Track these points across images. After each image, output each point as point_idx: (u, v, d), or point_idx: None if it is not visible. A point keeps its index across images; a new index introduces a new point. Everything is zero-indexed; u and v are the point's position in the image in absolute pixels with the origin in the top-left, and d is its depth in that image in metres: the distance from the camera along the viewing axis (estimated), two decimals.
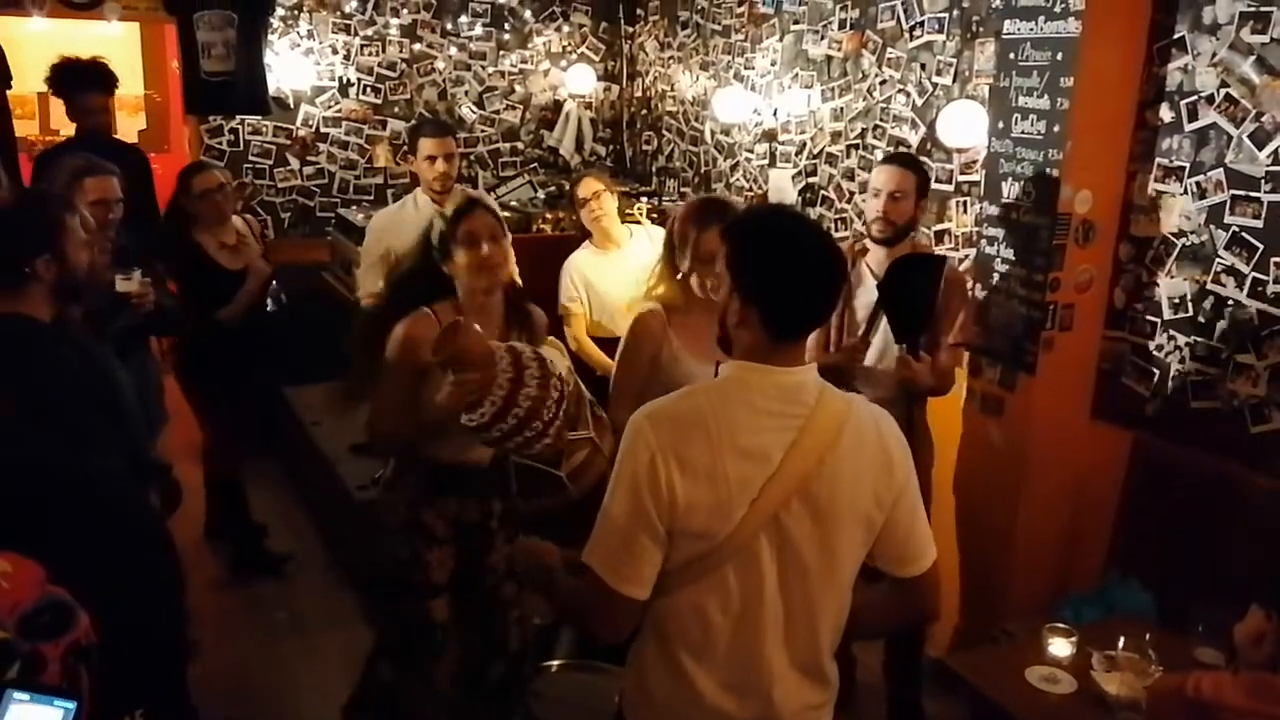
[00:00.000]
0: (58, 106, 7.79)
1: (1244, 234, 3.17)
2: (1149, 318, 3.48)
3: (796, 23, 5.09)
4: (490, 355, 2.49)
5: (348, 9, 6.16)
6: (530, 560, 2.01)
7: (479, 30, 6.52)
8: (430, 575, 2.89)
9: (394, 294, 2.94)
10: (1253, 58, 3.13)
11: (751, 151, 5.52)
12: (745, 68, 5.53)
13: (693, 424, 1.73)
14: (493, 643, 3.01)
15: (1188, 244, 3.34)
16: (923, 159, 4.28)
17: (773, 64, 5.29)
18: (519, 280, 4.46)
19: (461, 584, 2.95)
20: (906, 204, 3.30)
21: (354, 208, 5.98)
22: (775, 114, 5.29)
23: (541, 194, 6.06)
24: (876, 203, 3.31)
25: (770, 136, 5.35)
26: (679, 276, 2.92)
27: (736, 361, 1.80)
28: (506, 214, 4.88)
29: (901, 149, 4.37)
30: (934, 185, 4.26)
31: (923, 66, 4.32)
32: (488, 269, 2.79)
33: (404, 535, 2.91)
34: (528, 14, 6.61)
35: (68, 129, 7.44)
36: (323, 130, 6.23)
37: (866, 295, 3.35)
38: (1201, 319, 3.32)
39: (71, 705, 1.32)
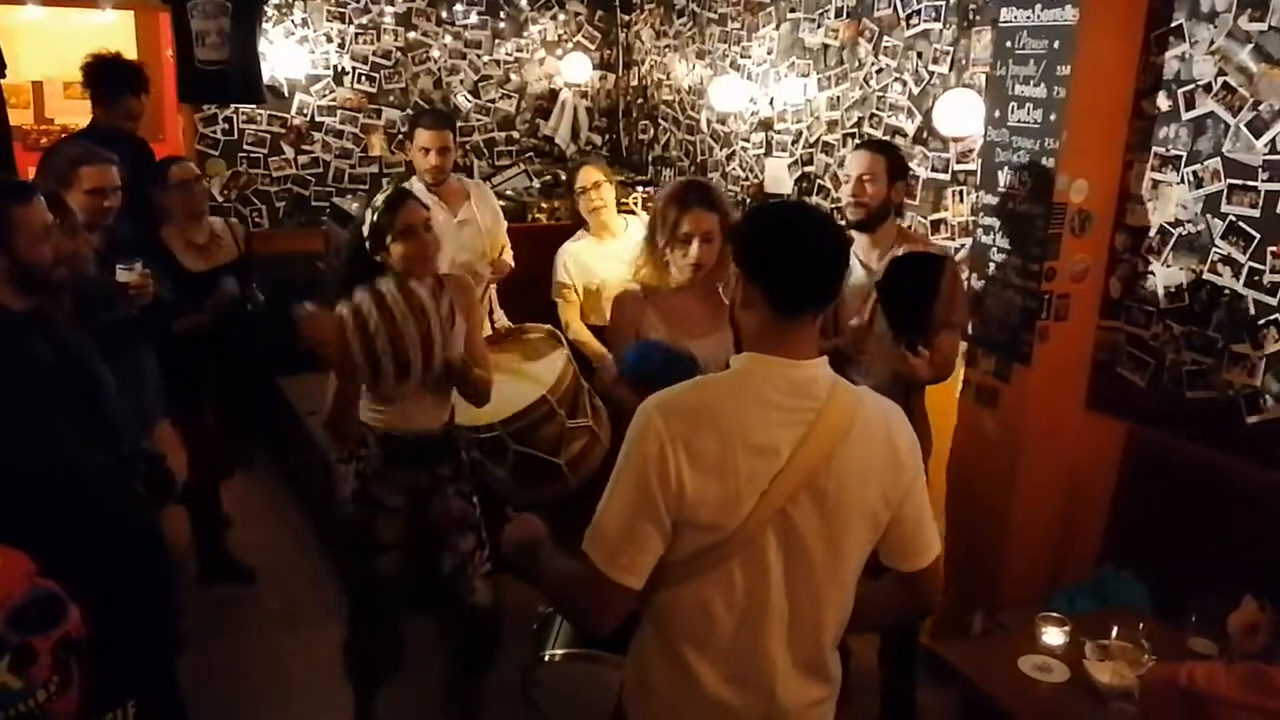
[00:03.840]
0: (53, 95, 7.80)
1: (1240, 223, 3.17)
2: (1145, 307, 3.47)
3: (793, 11, 5.07)
4: (338, 324, 2.74)
5: None
6: (517, 538, 1.99)
7: (474, 19, 6.49)
8: (377, 537, 3.10)
9: (335, 294, 2.99)
10: (1250, 46, 3.11)
11: (748, 141, 5.50)
12: (741, 56, 5.51)
13: (703, 416, 1.72)
14: (455, 595, 3.22)
15: (1184, 233, 3.33)
16: (919, 147, 4.27)
17: (769, 53, 5.28)
18: (511, 263, 4.53)
19: (413, 541, 3.16)
20: (876, 186, 3.32)
21: (349, 197, 5.97)
22: (771, 103, 5.28)
23: (537, 183, 6.05)
24: (847, 187, 3.38)
25: (766, 125, 5.33)
26: (659, 253, 3.07)
27: (748, 354, 1.80)
28: (502, 203, 4.88)
29: (898, 138, 4.36)
30: (930, 174, 4.25)
31: (919, 55, 4.31)
32: (424, 259, 2.94)
33: (355, 504, 3.11)
34: (523, 2, 6.58)
35: (63, 118, 7.45)
36: (317, 119, 6.21)
37: (854, 282, 3.32)
38: (1197, 309, 3.31)
39: None
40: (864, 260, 3.35)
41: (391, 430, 3.06)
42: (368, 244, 2.96)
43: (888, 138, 4.45)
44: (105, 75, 4.44)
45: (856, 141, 4.67)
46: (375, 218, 2.94)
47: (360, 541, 3.13)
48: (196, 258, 4.12)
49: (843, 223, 3.42)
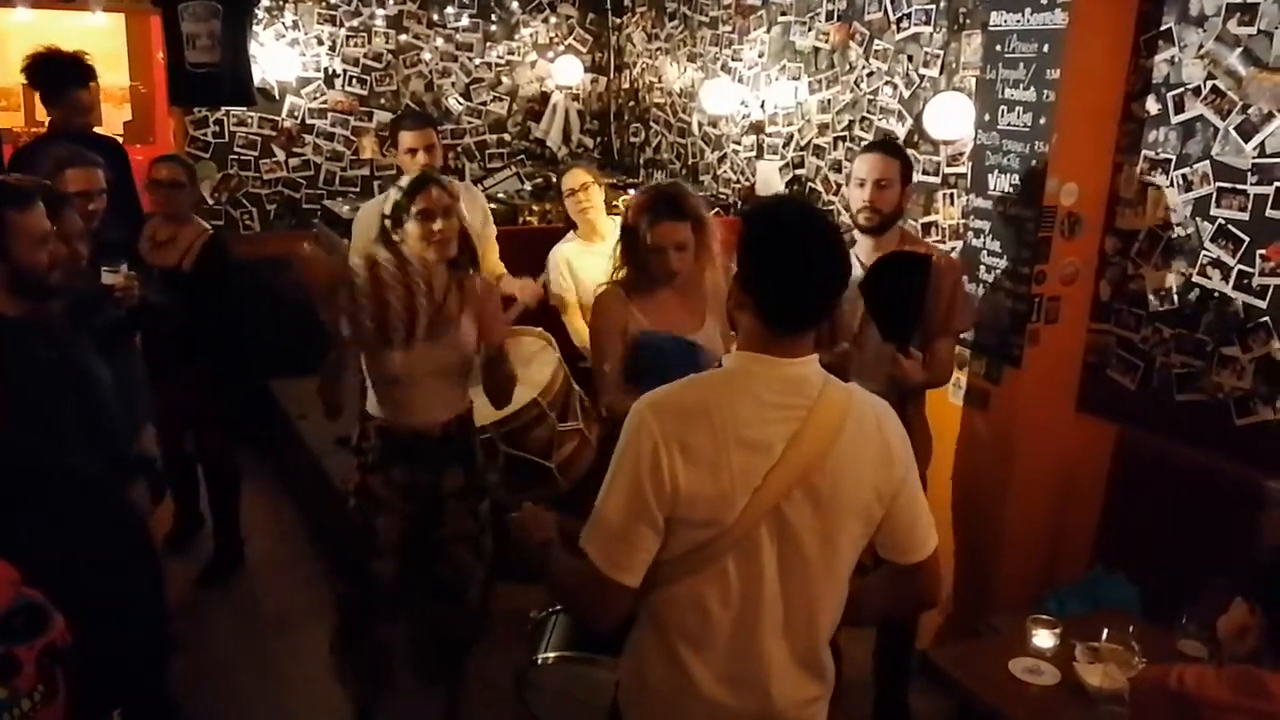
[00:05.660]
0: None
1: (1230, 226, 3.17)
2: (1134, 310, 3.48)
3: (784, 14, 5.07)
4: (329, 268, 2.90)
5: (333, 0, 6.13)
6: (526, 533, 1.99)
7: (465, 21, 6.48)
8: (378, 539, 3.08)
9: None
10: (1239, 50, 3.12)
11: (739, 143, 5.51)
12: (733, 59, 5.51)
13: (697, 414, 1.73)
14: (450, 597, 3.17)
15: (1174, 236, 3.34)
16: (909, 151, 4.27)
17: (760, 55, 5.28)
18: (507, 276, 4.49)
19: (413, 549, 3.12)
20: (892, 192, 3.23)
21: (340, 199, 5.95)
22: (762, 106, 5.28)
23: (528, 186, 6.04)
24: (862, 192, 3.24)
25: (757, 128, 5.33)
26: (635, 259, 3.15)
27: (741, 352, 1.80)
28: (493, 205, 4.87)
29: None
30: (921, 177, 4.25)
31: (910, 58, 4.31)
32: (438, 244, 2.92)
33: (355, 504, 3.11)
34: (514, 5, 6.57)
35: None
36: (308, 122, 6.19)
37: (853, 288, 3.30)
38: (1187, 312, 3.32)
39: None
40: (864, 263, 3.26)
41: (389, 424, 3.04)
42: (388, 222, 2.96)
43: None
44: (45, 71, 4.37)
45: (848, 144, 4.68)
46: (397, 197, 2.93)
47: (359, 540, 3.11)
48: (148, 253, 4.13)
49: (848, 226, 3.42)
